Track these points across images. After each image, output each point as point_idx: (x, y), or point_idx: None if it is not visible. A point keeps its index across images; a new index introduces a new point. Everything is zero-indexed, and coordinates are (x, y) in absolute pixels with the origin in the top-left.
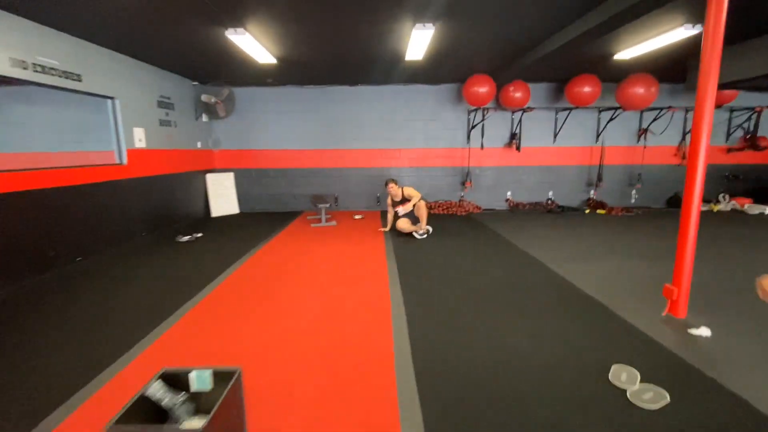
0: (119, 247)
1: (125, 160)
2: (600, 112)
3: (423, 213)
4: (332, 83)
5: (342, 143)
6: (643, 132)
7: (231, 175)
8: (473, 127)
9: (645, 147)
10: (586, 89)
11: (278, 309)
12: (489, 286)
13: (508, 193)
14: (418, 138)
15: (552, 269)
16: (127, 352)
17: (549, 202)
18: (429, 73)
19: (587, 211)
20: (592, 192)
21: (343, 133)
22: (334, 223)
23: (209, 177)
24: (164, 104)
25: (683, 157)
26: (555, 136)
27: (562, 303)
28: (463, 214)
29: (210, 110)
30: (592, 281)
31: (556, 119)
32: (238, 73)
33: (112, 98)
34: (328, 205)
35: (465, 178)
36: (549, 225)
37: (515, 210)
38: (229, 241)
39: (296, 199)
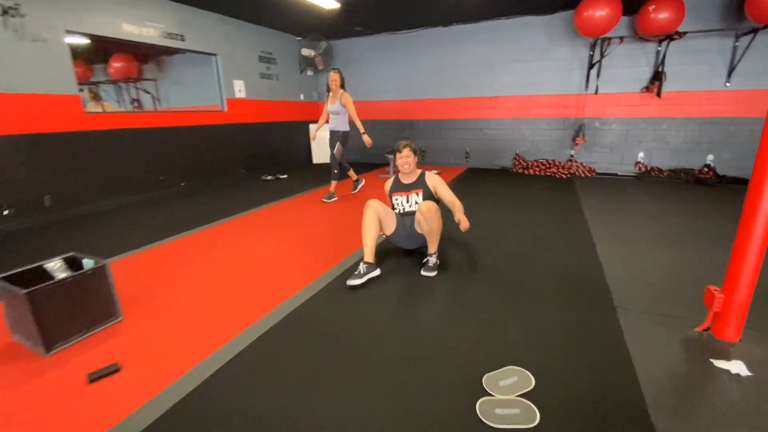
0: (216, 179)
1: (226, 108)
2: None
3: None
4: (423, 25)
5: (437, 92)
6: None
7: None
8: (593, 65)
9: None
10: None
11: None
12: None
13: (640, 155)
14: (520, 84)
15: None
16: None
17: (705, 169)
18: None
19: None
20: None
21: (439, 82)
22: None
23: (312, 127)
24: (265, 59)
25: None
26: (729, 73)
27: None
28: (564, 176)
29: (310, 63)
30: None
31: (735, 47)
32: (311, 21)
33: (214, 54)
34: None
35: (577, 132)
36: (671, 204)
37: (644, 177)
38: (301, 183)
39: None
